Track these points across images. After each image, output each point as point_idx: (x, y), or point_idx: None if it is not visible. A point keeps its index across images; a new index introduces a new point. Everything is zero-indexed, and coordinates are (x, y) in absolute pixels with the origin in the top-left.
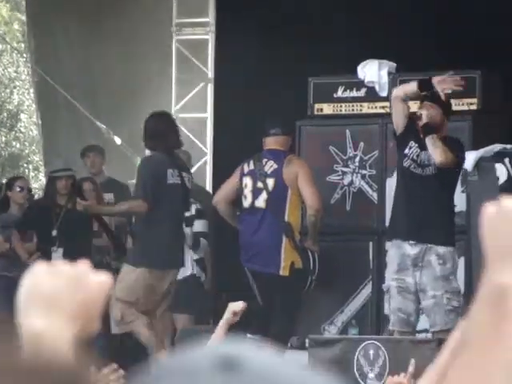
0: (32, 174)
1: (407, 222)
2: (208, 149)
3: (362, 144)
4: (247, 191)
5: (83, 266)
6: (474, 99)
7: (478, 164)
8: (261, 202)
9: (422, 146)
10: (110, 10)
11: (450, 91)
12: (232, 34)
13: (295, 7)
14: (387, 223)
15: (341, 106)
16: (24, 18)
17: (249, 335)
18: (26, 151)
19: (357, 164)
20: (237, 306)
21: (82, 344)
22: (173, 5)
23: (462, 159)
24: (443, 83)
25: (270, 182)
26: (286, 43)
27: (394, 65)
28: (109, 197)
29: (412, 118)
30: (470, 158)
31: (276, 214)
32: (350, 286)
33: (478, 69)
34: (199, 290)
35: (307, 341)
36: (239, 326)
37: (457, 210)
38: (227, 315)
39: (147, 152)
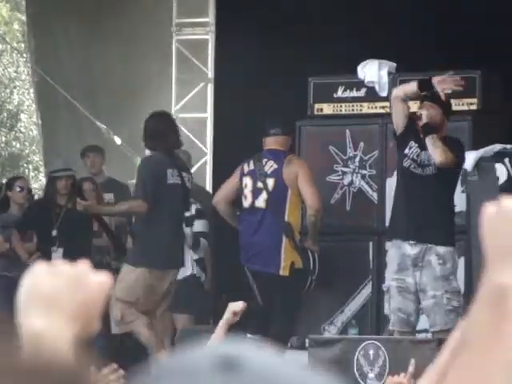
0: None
1: (407, 222)
2: (208, 149)
3: (362, 144)
4: (247, 191)
5: (83, 265)
6: (474, 99)
7: (478, 164)
8: (261, 202)
9: (422, 146)
10: (109, 10)
11: (450, 91)
12: (232, 33)
13: (295, 7)
14: (387, 223)
15: (341, 106)
16: (24, 17)
17: (249, 335)
18: (26, 151)
19: (357, 164)
20: (237, 306)
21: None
22: (173, 5)
23: (462, 159)
24: (443, 83)
25: (270, 182)
26: (286, 43)
27: (394, 65)
28: (109, 197)
29: (412, 118)
30: (470, 158)
31: (276, 214)
32: (349, 286)
33: (477, 69)
34: (199, 290)
35: (307, 341)
36: (239, 326)
37: (457, 210)
38: (227, 315)
39: (147, 152)
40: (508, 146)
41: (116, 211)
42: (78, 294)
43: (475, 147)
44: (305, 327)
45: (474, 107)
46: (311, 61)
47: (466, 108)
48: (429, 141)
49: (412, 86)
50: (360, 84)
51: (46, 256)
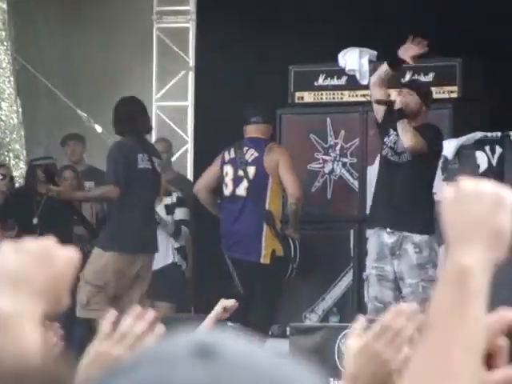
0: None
1: (385, 210)
2: (189, 137)
3: (342, 132)
4: (228, 179)
5: (49, 241)
6: (454, 87)
7: (459, 152)
8: (242, 190)
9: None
10: (89, 5)
11: (418, 54)
12: (213, 22)
13: None
14: (368, 211)
15: (321, 94)
16: (5, 6)
17: (229, 323)
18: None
19: (338, 152)
20: (228, 302)
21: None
22: None
23: (436, 146)
24: (409, 51)
25: (251, 170)
26: (267, 31)
27: (375, 53)
28: (90, 185)
29: (390, 105)
30: (451, 146)
31: (257, 202)
32: (330, 274)
33: (458, 56)
34: (180, 278)
35: (288, 329)
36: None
37: (437, 197)
38: (218, 309)
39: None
40: (489, 134)
41: (89, 197)
42: (45, 270)
43: (456, 135)
44: (286, 315)
45: (454, 95)
46: (292, 49)
47: (446, 96)
48: (399, 125)
49: (383, 67)
50: (341, 72)
51: None
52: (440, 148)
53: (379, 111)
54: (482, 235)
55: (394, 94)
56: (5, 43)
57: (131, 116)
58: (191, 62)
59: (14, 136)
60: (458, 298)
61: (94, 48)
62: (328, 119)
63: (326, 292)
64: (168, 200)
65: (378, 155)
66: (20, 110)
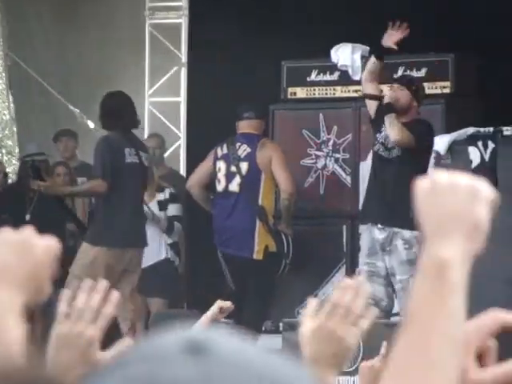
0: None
1: (376, 206)
2: (182, 133)
3: (335, 128)
4: (221, 175)
5: (27, 231)
6: (447, 82)
7: (451, 147)
8: (234, 186)
9: None
10: (83, 2)
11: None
12: (205, 17)
13: None
14: (360, 207)
15: (314, 90)
16: None
17: (222, 319)
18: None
19: (330, 148)
20: (225, 303)
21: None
22: None
23: (426, 141)
24: (391, 37)
25: (244, 165)
26: (261, 27)
27: (368, 48)
28: (82, 180)
29: (382, 101)
30: (443, 142)
31: (250, 198)
32: (323, 270)
33: (451, 52)
34: (173, 273)
35: (281, 324)
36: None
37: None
38: (214, 309)
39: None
40: (481, 130)
41: (76, 191)
42: (25, 260)
43: (448, 130)
44: (279, 311)
45: (447, 90)
46: (285, 44)
47: (439, 91)
48: (386, 120)
49: (371, 60)
50: (333, 68)
51: None
52: (430, 143)
53: (372, 107)
54: (458, 227)
55: (385, 90)
56: None
57: (117, 110)
58: (184, 58)
59: (7, 132)
60: (438, 291)
61: (86, 44)
62: (321, 115)
63: (319, 288)
64: (161, 196)
65: (371, 151)
66: (12, 105)
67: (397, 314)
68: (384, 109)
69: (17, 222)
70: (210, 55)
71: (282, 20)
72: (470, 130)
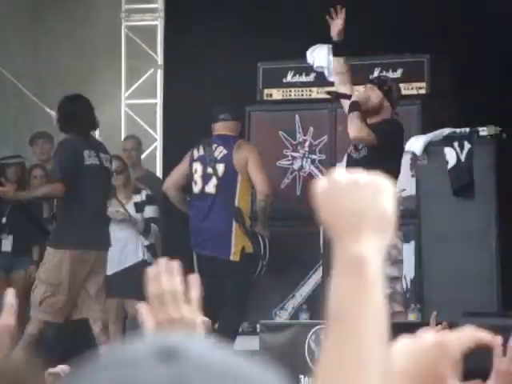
0: None
1: None
2: (158, 135)
3: (311, 129)
4: (197, 177)
5: None
6: (422, 83)
7: (427, 148)
8: (211, 188)
9: None
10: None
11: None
12: (181, 19)
13: None
14: None
15: (290, 91)
16: None
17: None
18: None
19: (306, 149)
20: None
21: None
22: None
23: (389, 141)
24: (334, 29)
25: (220, 167)
26: (236, 28)
27: None
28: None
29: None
30: (420, 142)
31: (226, 200)
32: (300, 271)
33: (426, 53)
34: None
35: (258, 326)
36: None
37: (406, 194)
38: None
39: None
40: (457, 130)
41: (33, 196)
42: None
43: (424, 131)
44: (256, 312)
45: (422, 91)
46: (261, 46)
47: (415, 92)
48: (349, 118)
49: (334, 62)
50: (309, 69)
51: None
52: (396, 143)
53: (345, 107)
54: (366, 222)
55: (361, 91)
56: None
57: (74, 113)
58: (160, 60)
59: None
60: (359, 287)
61: (62, 46)
62: (297, 116)
63: (296, 289)
64: (137, 198)
65: None
66: None
67: None
68: (350, 107)
69: None
70: (186, 57)
71: (258, 21)
72: (446, 131)
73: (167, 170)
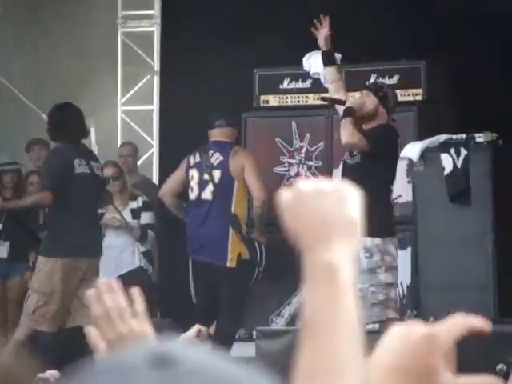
0: None
1: None
2: (154, 141)
3: (308, 135)
4: (193, 183)
5: None
6: (419, 90)
7: (424, 154)
8: (207, 194)
9: None
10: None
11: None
12: (177, 26)
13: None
14: None
15: (286, 98)
16: None
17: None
18: None
19: (303, 155)
20: (203, 327)
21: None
22: None
23: (381, 147)
24: (321, 38)
25: (217, 173)
26: (232, 35)
27: (340, 56)
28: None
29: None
30: (416, 149)
31: (222, 206)
32: (297, 278)
33: (422, 59)
34: (147, 282)
35: (255, 332)
36: (185, 319)
37: (403, 200)
38: (192, 332)
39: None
40: (453, 137)
41: (22, 205)
42: None
43: (421, 137)
44: (252, 319)
45: (419, 98)
46: (257, 52)
47: (411, 98)
48: (342, 123)
49: (326, 72)
50: (305, 75)
51: None
52: (388, 149)
53: (340, 113)
54: (334, 229)
55: (357, 97)
56: None
57: (65, 122)
58: (156, 67)
59: None
60: (333, 294)
61: (58, 53)
62: (293, 122)
63: (293, 295)
64: (134, 204)
65: None
66: None
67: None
68: (343, 113)
69: None
70: (182, 63)
71: (255, 27)
72: (443, 137)
73: (163, 177)
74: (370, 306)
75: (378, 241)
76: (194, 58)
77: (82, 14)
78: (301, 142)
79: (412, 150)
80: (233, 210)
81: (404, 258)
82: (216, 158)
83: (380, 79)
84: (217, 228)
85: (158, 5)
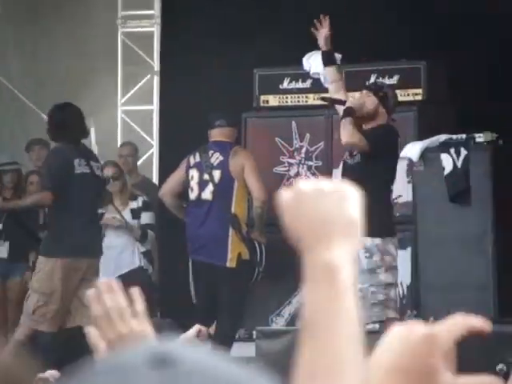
0: None
1: None
2: (154, 141)
3: (308, 135)
4: (193, 183)
5: None
6: (419, 90)
7: (424, 154)
8: (207, 194)
9: None
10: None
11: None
12: (177, 26)
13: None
14: None
15: (286, 98)
16: None
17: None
18: None
19: (303, 155)
20: (203, 327)
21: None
22: None
23: (380, 147)
24: (320, 38)
25: (217, 173)
26: (232, 35)
27: (340, 56)
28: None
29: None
30: (416, 149)
31: (223, 206)
32: (297, 278)
33: (422, 59)
34: (147, 282)
35: (255, 332)
36: (185, 319)
37: (403, 200)
38: (192, 333)
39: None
40: (453, 137)
41: (21, 205)
42: None
43: (421, 137)
44: (252, 319)
45: (419, 98)
46: (257, 52)
47: (411, 98)
48: (341, 123)
49: (326, 72)
50: (305, 75)
51: None
52: (387, 149)
53: (340, 113)
54: (333, 229)
55: (357, 97)
56: None
57: (65, 122)
58: (156, 67)
59: None
60: (333, 294)
61: (58, 53)
62: (293, 122)
63: (293, 295)
64: (134, 204)
65: None
66: None
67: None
68: (343, 113)
69: None
70: (182, 63)
71: (255, 27)
72: (443, 137)
73: (163, 177)
74: (370, 305)
75: (377, 241)
76: (194, 58)
77: (82, 14)
78: (301, 141)
79: (412, 150)
80: (233, 210)
81: (404, 258)
82: (216, 158)
83: (380, 79)
84: (217, 228)
85: (157, 5)
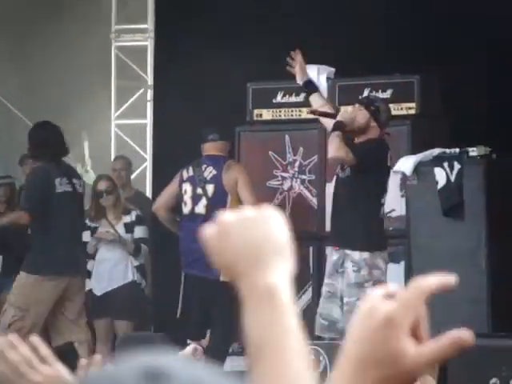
0: None
1: (332, 227)
2: (148, 155)
3: (301, 149)
4: (187, 197)
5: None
6: (412, 104)
7: (417, 168)
8: (201, 208)
9: None
10: (47, 19)
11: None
12: (171, 39)
13: (231, 13)
14: (327, 228)
15: (280, 112)
16: None
17: (188, 341)
18: None
19: (296, 169)
20: (199, 346)
21: None
22: (112, 11)
23: (367, 161)
24: (296, 72)
25: (210, 187)
26: (226, 49)
27: (333, 70)
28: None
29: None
30: (409, 163)
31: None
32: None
33: (416, 73)
34: (140, 296)
35: None
36: (178, 332)
37: (396, 214)
38: (187, 352)
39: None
40: (447, 150)
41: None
42: None
43: (414, 151)
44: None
45: (412, 112)
46: (250, 66)
47: (404, 112)
48: (330, 137)
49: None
50: (299, 89)
51: None
52: (375, 162)
53: (327, 126)
54: (266, 252)
55: (349, 110)
56: None
57: (47, 140)
58: (150, 80)
59: None
60: (275, 316)
61: (51, 66)
62: (287, 136)
63: None
64: (127, 218)
65: None
66: None
67: None
68: (333, 126)
69: None
70: (175, 77)
71: (248, 41)
72: (436, 151)
73: (157, 191)
74: None
75: (366, 255)
76: (188, 72)
77: (76, 27)
78: (294, 155)
79: (405, 164)
80: None
81: (397, 272)
82: (209, 171)
83: (373, 93)
84: None
85: (151, 19)
